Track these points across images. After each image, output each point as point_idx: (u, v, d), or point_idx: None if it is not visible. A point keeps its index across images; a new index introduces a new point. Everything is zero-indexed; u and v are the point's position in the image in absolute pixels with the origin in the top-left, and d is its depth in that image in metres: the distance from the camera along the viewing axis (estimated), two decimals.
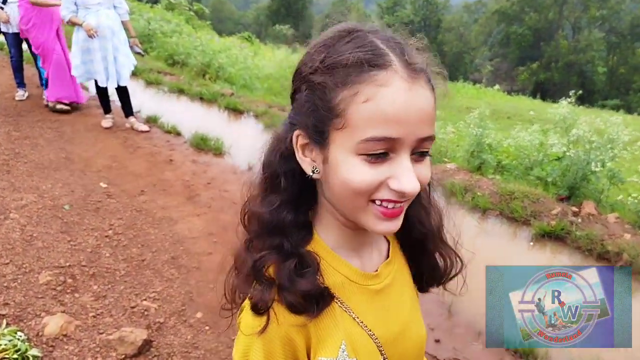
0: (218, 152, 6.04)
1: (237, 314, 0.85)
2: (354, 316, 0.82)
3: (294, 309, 0.77)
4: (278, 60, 13.82)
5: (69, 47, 6.23)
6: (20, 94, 7.16)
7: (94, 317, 2.91)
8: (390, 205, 0.74)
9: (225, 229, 4.09)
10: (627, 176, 5.31)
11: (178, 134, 6.54)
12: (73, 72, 6.01)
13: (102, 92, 6.13)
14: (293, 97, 0.81)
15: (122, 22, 5.98)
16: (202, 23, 19.98)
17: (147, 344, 2.72)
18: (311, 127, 0.76)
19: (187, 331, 2.91)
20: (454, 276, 0.97)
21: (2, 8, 6.50)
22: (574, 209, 4.87)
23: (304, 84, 0.77)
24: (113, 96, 6.34)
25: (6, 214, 3.90)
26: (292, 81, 0.81)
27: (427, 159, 0.77)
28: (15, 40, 6.80)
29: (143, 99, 7.82)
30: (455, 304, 3.43)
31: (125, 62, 6.02)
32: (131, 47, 6.24)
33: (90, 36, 5.55)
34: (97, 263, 3.42)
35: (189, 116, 7.50)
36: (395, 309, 0.89)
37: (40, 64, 6.65)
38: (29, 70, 7.68)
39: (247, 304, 0.80)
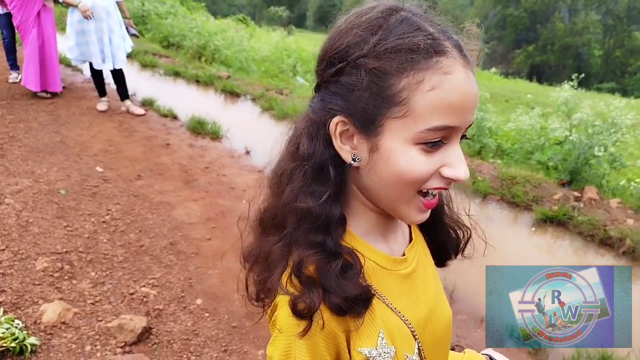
0: (215, 135, 5.96)
1: (269, 312, 0.80)
2: (387, 303, 0.80)
3: (340, 311, 0.73)
4: (274, 43, 13.65)
5: (63, 29, 6.10)
6: (14, 76, 7.02)
7: (92, 304, 2.86)
8: (434, 194, 0.74)
9: (224, 214, 4.03)
10: (628, 160, 5.29)
11: (174, 117, 6.45)
12: (68, 54, 5.88)
13: (97, 75, 6.02)
14: (329, 80, 0.74)
15: (117, 2, 5.85)
16: (197, 4, 19.74)
17: (146, 331, 2.67)
18: (360, 114, 0.71)
19: (186, 318, 2.87)
20: (466, 244, 0.97)
21: None
22: (576, 193, 4.84)
23: (352, 68, 0.70)
24: (108, 79, 6.23)
25: (1, 199, 3.82)
26: (328, 63, 0.74)
27: None
28: (7, 20, 6.62)
29: (138, 81, 7.71)
30: (457, 290, 3.41)
31: (121, 44, 5.90)
32: (126, 29, 6.12)
33: (86, 17, 5.42)
34: (94, 249, 3.37)
35: (185, 99, 7.40)
36: (423, 291, 0.87)
37: None
38: (22, 52, 7.55)
39: (281, 300, 0.75)
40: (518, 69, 44.56)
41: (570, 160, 5.31)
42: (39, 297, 2.85)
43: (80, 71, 7.70)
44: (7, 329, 2.44)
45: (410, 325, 0.81)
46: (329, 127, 0.74)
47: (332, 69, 0.73)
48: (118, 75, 6.06)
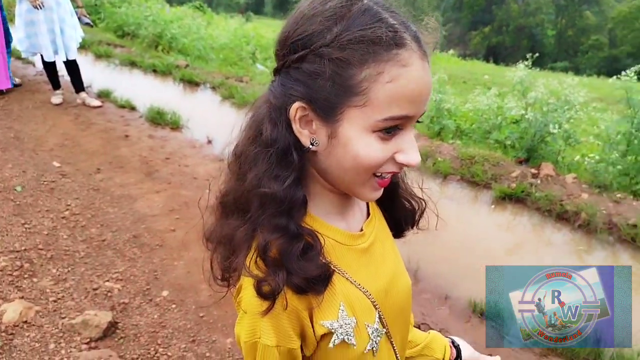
0: (175, 125, 5.88)
1: (235, 292, 0.83)
2: (347, 277, 0.83)
3: (301, 291, 0.76)
4: (232, 30, 13.45)
5: (12, 19, 5.88)
6: None
7: (54, 301, 2.81)
8: (388, 176, 0.78)
9: (187, 205, 4.00)
10: (582, 137, 5.45)
11: (132, 108, 6.33)
12: (17, 46, 5.67)
13: (49, 67, 5.83)
14: (290, 66, 0.75)
15: None
16: None
17: (112, 325, 2.64)
18: (320, 101, 0.73)
19: (153, 310, 2.84)
20: (421, 214, 1.01)
21: None
22: (533, 170, 4.97)
23: (315, 56, 0.72)
24: (61, 71, 6.05)
25: None
26: (290, 48, 0.75)
27: None
28: None
29: (93, 73, 7.51)
30: (420, 270, 3.47)
31: (73, 34, 5.72)
32: (79, 18, 5.94)
33: (36, 7, 5.23)
34: (54, 246, 3.30)
35: (143, 89, 7.25)
36: (382, 263, 0.90)
37: None
38: None
39: (245, 282, 0.78)
40: (475, 50, 45.14)
41: (527, 138, 5.44)
42: None
43: (32, 64, 7.45)
44: None
45: (370, 296, 0.85)
46: (288, 112, 0.76)
47: (294, 55, 0.74)
48: (72, 66, 5.88)
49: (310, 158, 0.80)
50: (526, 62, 5.93)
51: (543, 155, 5.35)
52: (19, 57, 7.33)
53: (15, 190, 3.93)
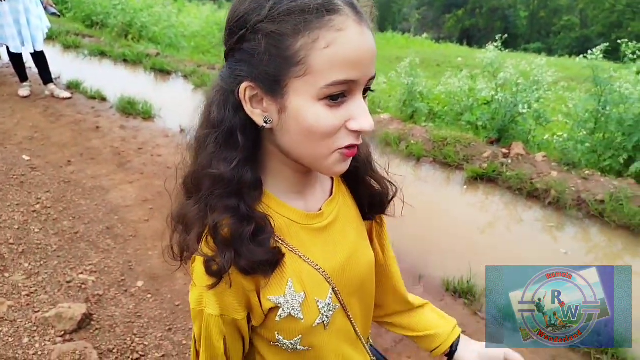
0: (147, 115, 5.81)
1: (190, 263, 0.86)
2: (299, 254, 0.85)
3: (247, 273, 0.79)
4: (204, 17, 13.30)
5: None
6: None
7: (27, 295, 2.78)
8: (350, 148, 0.78)
9: (161, 194, 3.97)
10: (552, 116, 5.54)
11: (103, 99, 6.24)
12: None
13: (16, 59, 5.71)
14: (234, 48, 0.77)
15: None
16: None
17: (87, 317, 2.63)
18: (264, 77, 0.74)
19: (128, 301, 2.84)
20: (391, 200, 1.02)
21: None
22: (504, 150, 5.05)
23: (252, 34, 0.73)
24: (29, 63, 5.93)
25: None
26: (230, 31, 0.77)
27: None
28: None
29: (62, 64, 7.37)
30: (395, 251, 3.51)
31: (39, 24, 5.60)
32: (45, 8, 5.81)
33: None
34: (26, 240, 3.26)
35: (114, 80, 7.14)
36: (341, 240, 0.92)
37: None
38: None
39: (197, 256, 0.81)
40: (449, 33, 45.22)
41: (498, 118, 5.51)
42: None
43: None
44: None
45: (324, 273, 0.87)
46: (237, 94, 0.77)
47: (234, 37, 0.76)
48: (39, 57, 5.77)
49: (269, 136, 0.81)
50: (496, 44, 5.98)
51: (514, 135, 5.44)
52: None
53: None
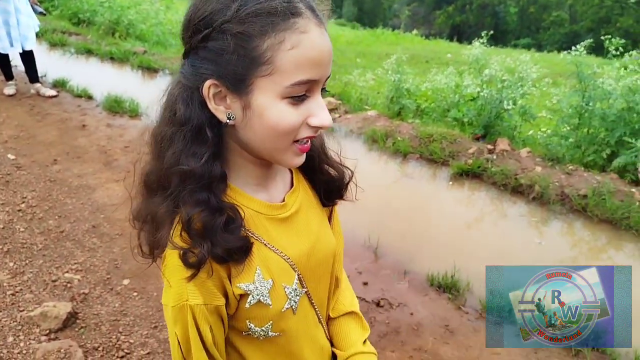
0: (134, 113, 5.80)
1: (161, 263, 0.87)
2: (265, 243, 0.89)
3: (222, 261, 0.82)
4: None
5: None
6: None
7: (12, 294, 2.79)
8: (306, 141, 0.83)
9: None
10: (537, 112, 5.58)
11: (89, 97, 6.22)
12: None
13: (2, 58, 5.67)
14: (197, 46, 0.79)
15: None
16: None
17: (72, 316, 2.64)
18: (230, 75, 0.77)
19: (114, 299, 2.85)
20: (347, 184, 1.05)
21: None
22: (489, 146, 5.09)
23: (218, 33, 0.75)
24: (14, 61, 5.90)
25: None
26: (195, 30, 0.78)
27: None
28: None
29: (48, 62, 7.32)
30: (380, 247, 3.55)
31: (30, 23, 5.57)
32: (32, 7, 5.78)
33: None
34: (11, 239, 3.26)
35: (100, 78, 7.12)
36: (304, 229, 0.96)
37: None
38: None
39: (168, 252, 0.83)
40: (439, 29, 45.26)
41: (484, 114, 5.56)
42: None
43: None
44: None
45: (289, 260, 0.91)
46: (202, 91, 0.79)
47: (198, 36, 0.77)
48: (28, 57, 5.74)
49: (230, 132, 0.84)
50: (481, 40, 6.02)
51: (499, 131, 5.48)
52: None
53: None
